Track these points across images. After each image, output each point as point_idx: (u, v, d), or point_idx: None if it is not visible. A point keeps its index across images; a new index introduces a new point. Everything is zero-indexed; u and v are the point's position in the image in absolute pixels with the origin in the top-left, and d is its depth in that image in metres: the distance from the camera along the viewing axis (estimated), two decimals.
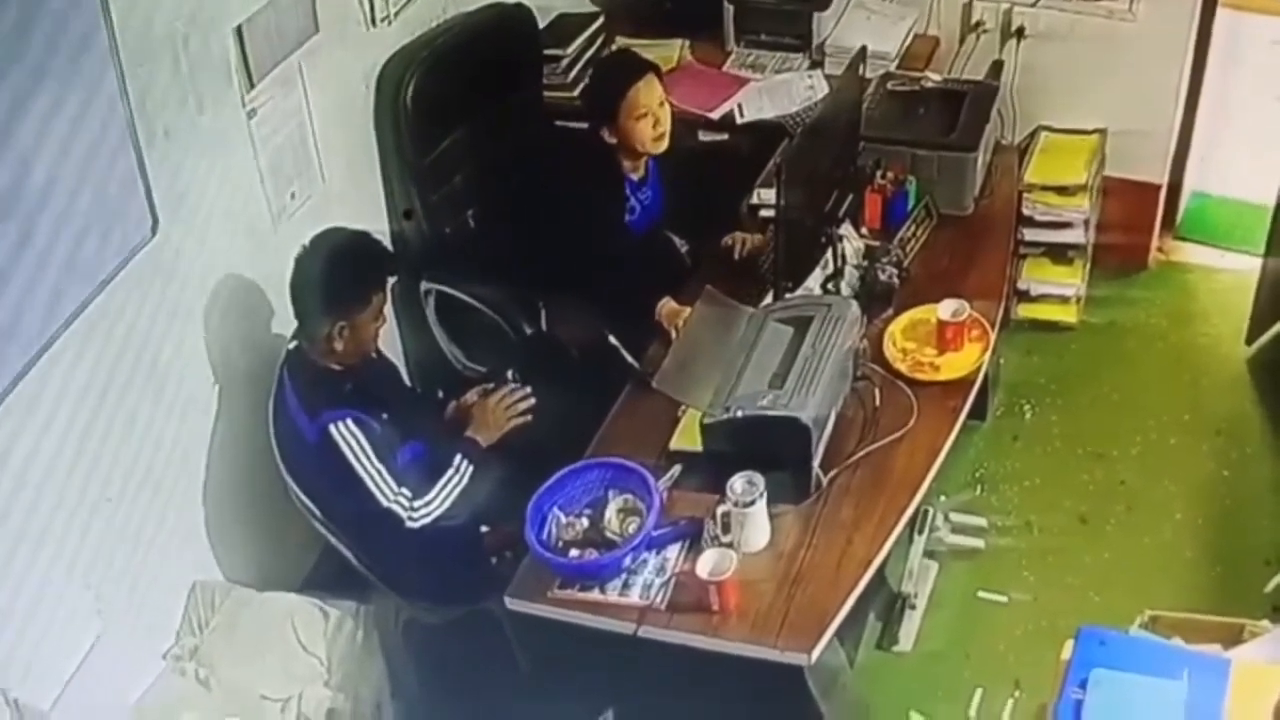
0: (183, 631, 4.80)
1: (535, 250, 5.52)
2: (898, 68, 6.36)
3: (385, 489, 4.60)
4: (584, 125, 5.67)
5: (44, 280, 3.98)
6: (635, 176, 5.66)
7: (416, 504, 4.65)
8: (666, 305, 5.34)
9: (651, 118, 5.46)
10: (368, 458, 4.58)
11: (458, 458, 4.77)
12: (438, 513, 4.69)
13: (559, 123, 6.23)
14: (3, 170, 3.78)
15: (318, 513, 4.78)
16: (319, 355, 4.69)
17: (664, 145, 5.55)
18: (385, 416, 4.69)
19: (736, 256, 5.57)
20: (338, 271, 4.61)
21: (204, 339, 4.81)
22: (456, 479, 4.73)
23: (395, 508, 4.62)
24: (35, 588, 4.13)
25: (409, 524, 4.65)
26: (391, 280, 4.88)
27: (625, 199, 5.64)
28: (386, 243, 5.20)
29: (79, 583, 4.33)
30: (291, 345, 4.77)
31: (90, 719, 4.35)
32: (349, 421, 4.57)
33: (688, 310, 5.23)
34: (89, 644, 4.35)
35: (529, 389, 5.06)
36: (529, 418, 5.01)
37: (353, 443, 4.56)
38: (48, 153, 3.94)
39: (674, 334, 5.23)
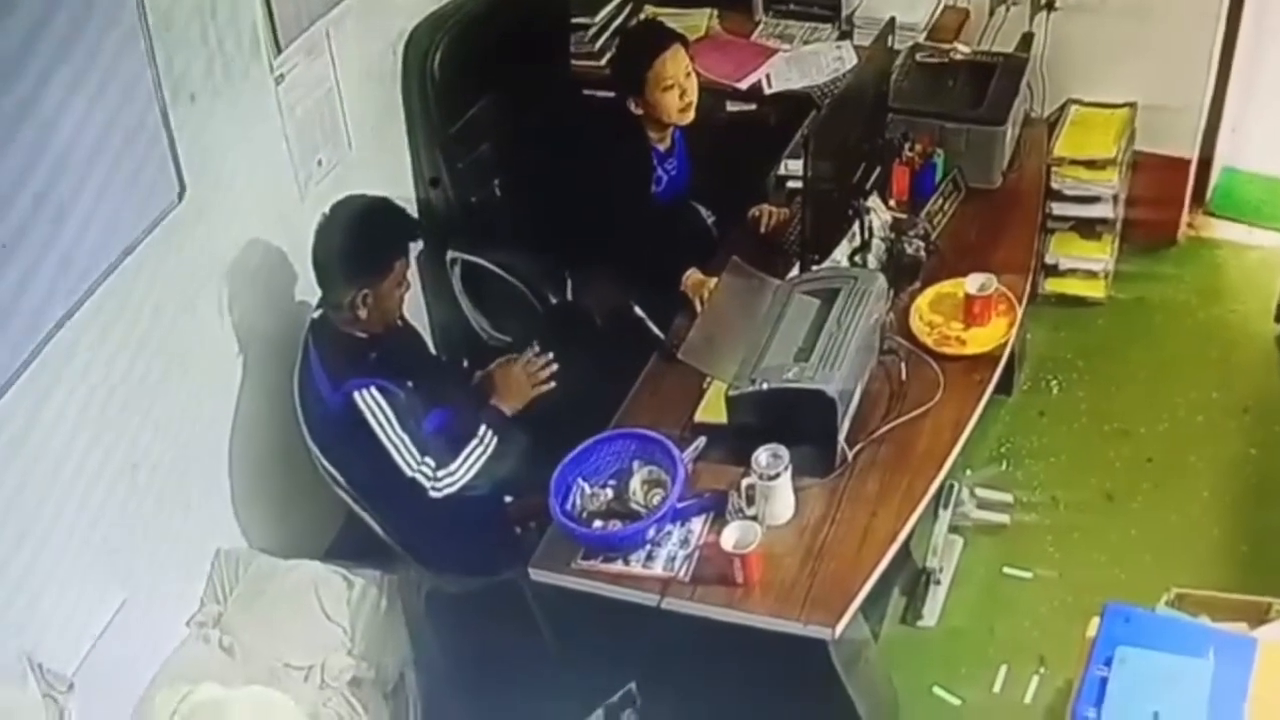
0: (206, 599, 4.82)
1: (561, 220, 5.50)
2: (927, 39, 6.32)
3: (409, 458, 4.60)
4: (611, 94, 5.65)
5: (71, 245, 4.00)
6: (662, 147, 5.65)
7: (440, 474, 4.64)
8: (692, 276, 5.33)
9: (678, 89, 5.43)
10: (392, 426, 4.57)
11: (483, 428, 4.77)
12: (462, 482, 4.68)
13: (586, 91, 6.21)
14: (31, 135, 3.79)
15: (342, 481, 4.79)
16: (343, 324, 4.68)
17: (690, 116, 5.53)
18: (410, 385, 4.68)
19: (763, 229, 5.55)
20: (358, 239, 4.60)
21: (229, 305, 4.82)
22: (481, 449, 4.73)
23: (419, 477, 4.62)
24: (60, 554, 4.15)
25: (432, 494, 4.64)
26: (416, 246, 4.84)
27: (652, 169, 5.63)
28: (411, 209, 5.19)
29: (104, 549, 4.34)
30: (316, 314, 4.76)
31: (113, 685, 4.36)
32: (373, 389, 4.56)
33: (713, 281, 5.23)
34: (113, 610, 4.37)
35: (551, 355, 5.06)
36: (552, 384, 5.02)
37: (377, 411, 4.55)
38: (75, 118, 3.96)
39: (699, 305, 5.23)
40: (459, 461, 4.69)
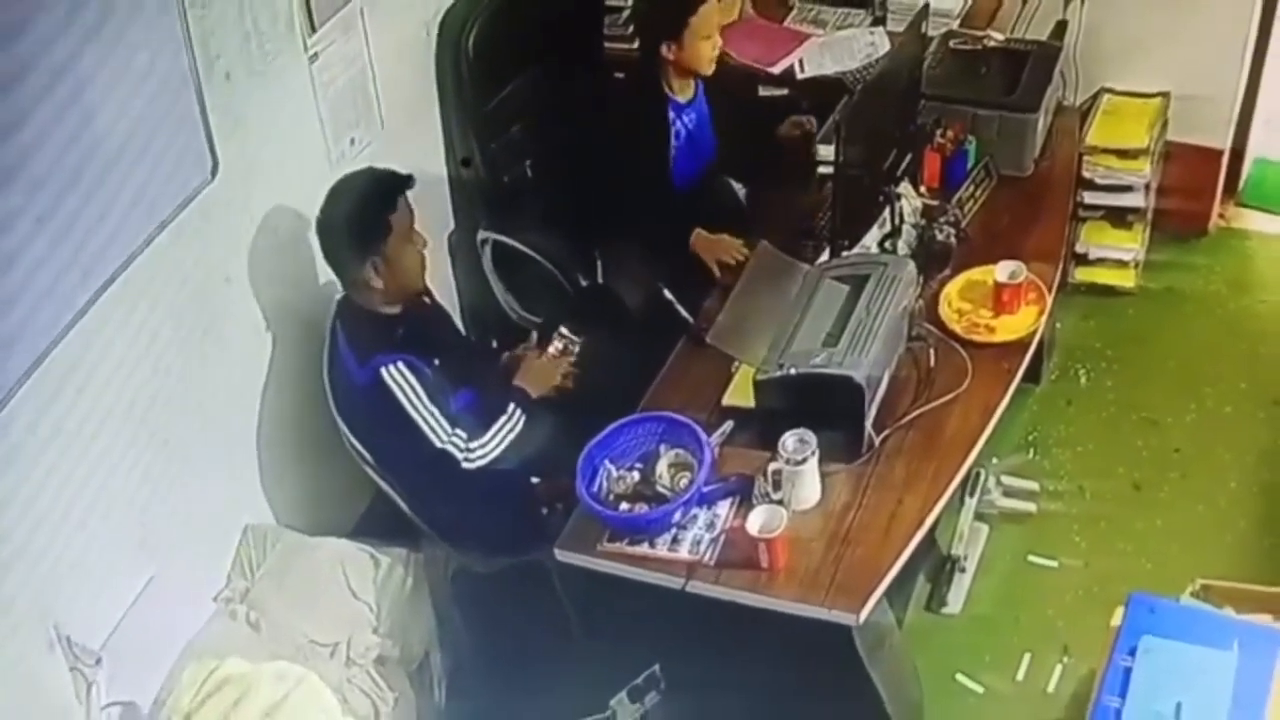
0: (234, 574, 4.84)
1: (591, 200, 5.53)
2: (960, 26, 6.31)
3: (440, 430, 4.62)
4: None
5: (105, 220, 4.02)
6: (681, 98, 5.68)
7: (473, 445, 4.67)
8: (699, 237, 5.36)
9: (715, 39, 5.51)
10: (420, 400, 4.58)
11: (511, 405, 4.79)
12: (493, 454, 4.71)
13: (617, 75, 6.21)
14: (66, 112, 3.81)
15: (370, 459, 4.81)
16: (367, 301, 4.70)
17: (713, 66, 5.60)
18: (437, 362, 4.69)
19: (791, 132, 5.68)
20: (346, 210, 4.62)
21: (261, 282, 4.83)
22: (510, 425, 4.75)
23: (450, 448, 4.64)
24: (90, 528, 4.16)
25: (465, 465, 4.67)
26: (407, 192, 4.72)
27: (669, 121, 5.65)
28: (445, 190, 5.21)
29: (133, 524, 4.36)
30: (341, 294, 4.78)
31: (141, 659, 4.38)
32: (400, 364, 4.58)
33: (722, 239, 5.28)
34: (141, 585, 4.39)
35: (581, 340, 5.08)
36: (574, 370, 5.05)
37: (405, 385, 4.57)
38: (110, 95, 3.98)
39: (715, 268, 5.31)
40: (490, 434, 4.71)
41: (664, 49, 5.49)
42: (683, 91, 5.67)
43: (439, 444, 4.63)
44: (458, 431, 4.65)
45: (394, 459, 4.82)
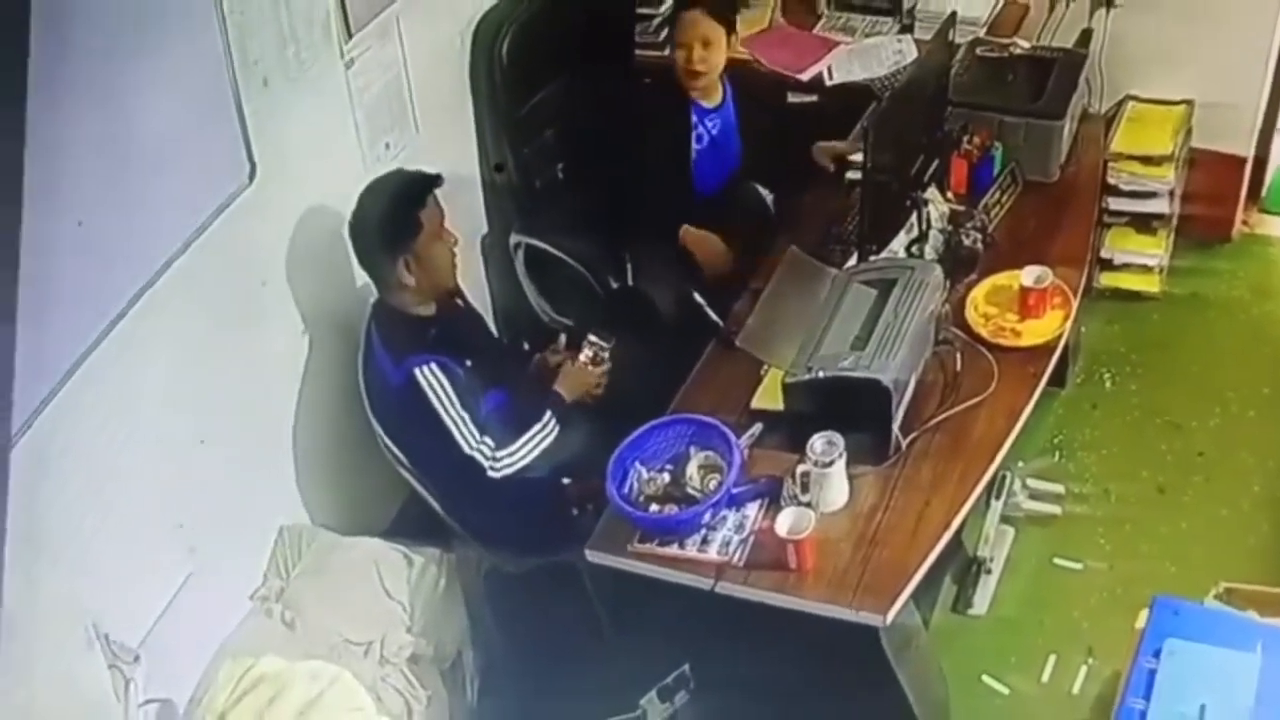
0: (269, 573, 4.88)
1: (622, 204, 5.58)
2: (987, 34, 6.33)
3: (468, 436, 4.65)
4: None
5: (144, 223, 4.07)
6: (706, 103, 5.75)
7: (500, 454, 4.70)
8: (687, 233, 5.43)
9: (685, 50, 5.63)
10: (452, 403, 4.63)
11: (548, 413, 4.83)
12: (521, 464, 4.74)
13: (648, 80, 6.25)
14: (108, 119, 3.86)
15: (403, 459, 4.86)
16: (400, 302, 4.75)
17: (698, 83, 5.69)
18: (469, 364, 4.73)
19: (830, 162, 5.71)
20: (378, 210, 4.68)
21: (298, 285, 4.88)
22: (544, 433, 4.79)
23: (477, 456, 4.67)
24: (128, 526, 4.19)
25: (490, 474, 4.70)
26: (436, 190, 4.79)
27: (691, 126, 5.71)
28: (478, 194, 5.25)
29: (171, 523, 4.40)
30: (376, 297, 4.82)
31: (177, 657, 4.41)
32: (433, 366, 4.62)
33: (707, 238, 5.44)
34: (178, 583, 4.42)
35: (608, 348, 5.12)
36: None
37: (437, 387, 4.61)
38: (151, 102, 4.02)
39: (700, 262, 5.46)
40: (520, 443, 4.74)
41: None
42: (708, 97, 5.72)
43: (467, 450, 4.67)
44: (485, 439, 4.68)
45: (426, 460, 4.86)
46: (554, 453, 4.80)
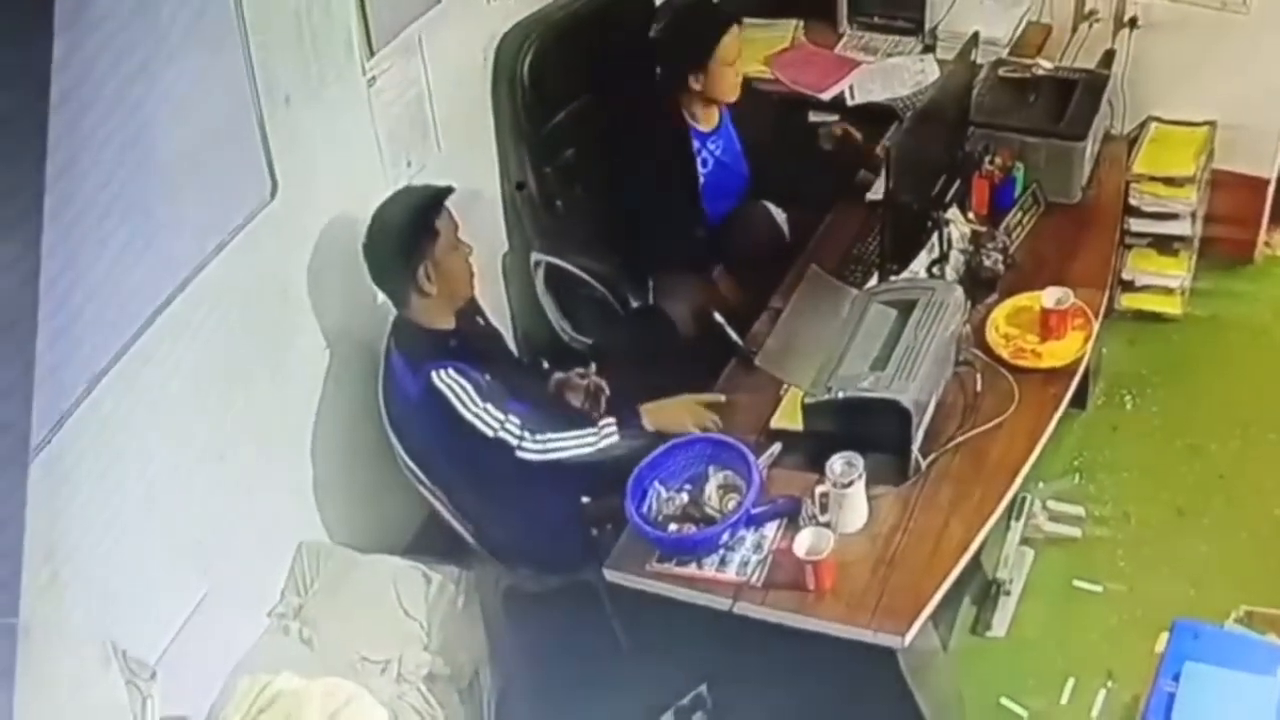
0: (287, 591, 4.88)
1: (640, 223, 5.59)
2: (1009, 54, 6.33)
3: (491, 422, 4.63)
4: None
5: (166, 239, 4.07)
6: (704, 127, 5.77)
7: (534, 437, 4.68)
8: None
9: (736, 66, 5.62)
10: (472, 400, 4.61)
11: (610, 423, 4.80)
12: (551, 455, 4.71)
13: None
14: (131, 135, 3.86)
15: (423, 477, 4.86)
16: (420, 315, 4.76)
17: (737, 93, 5.69)
18: (488, 377, 4.72)
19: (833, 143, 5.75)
20: (394, 223, 4.70)
21: (317, 302, 4.88)
22: (593, 439, 4.76)
23: (505, 436, 4.65)
24: (146, 543, 4.20)
25: (519, 453, 4.67)
26: (449, 197, 4.80)
27: (693, 152, 5.73)
28: (499, 212, 5.26)
29: (189, 540, 4.40)
30: (395, 314, 4.83)
31: (195, 674, 4.41)
32: (451, 370, 4.62)
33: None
34: (196, 600, 4.42)
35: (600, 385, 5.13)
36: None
37: (456, 388, 4.61)
38: (173, 116, 4.02)
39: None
40: (558, 436, 4.72)
41: (691, 79, 5.59)
42: (706, 120, 5.75)
43: (492, 434, 4.64)
44: (512, 419, 4.66)
45: (445, 471, 4.86)
46: (595, 460, 4.75)
